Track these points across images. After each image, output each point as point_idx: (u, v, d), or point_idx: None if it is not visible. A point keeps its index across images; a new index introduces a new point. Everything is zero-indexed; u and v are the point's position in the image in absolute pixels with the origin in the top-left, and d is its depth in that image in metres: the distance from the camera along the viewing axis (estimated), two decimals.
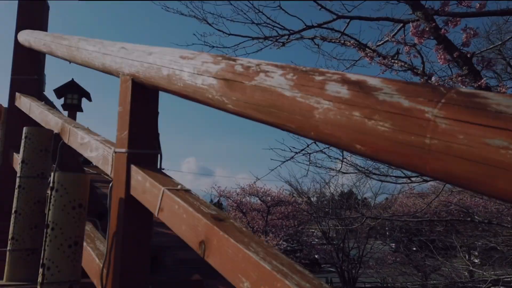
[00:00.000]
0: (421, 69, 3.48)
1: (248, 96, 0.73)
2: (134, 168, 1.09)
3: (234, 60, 0.81)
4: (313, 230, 15.83)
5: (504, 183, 0.41)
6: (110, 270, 1.09)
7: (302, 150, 4.98)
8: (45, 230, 1.05)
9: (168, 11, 5.52)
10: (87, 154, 1.37)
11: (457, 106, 0.45)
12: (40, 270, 1.03)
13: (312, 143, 4.77)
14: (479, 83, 2.78)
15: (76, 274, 1.06)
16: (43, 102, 2.11)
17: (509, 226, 5.61)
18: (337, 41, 4.32)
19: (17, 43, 2.45)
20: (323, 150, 5.08)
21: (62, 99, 6.52)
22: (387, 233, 17.05)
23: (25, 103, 2.18)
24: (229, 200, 14.13)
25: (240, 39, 5.24)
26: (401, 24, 3.82)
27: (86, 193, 1.11)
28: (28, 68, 2.43)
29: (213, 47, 5.45)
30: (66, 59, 1.72)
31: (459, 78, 2.89)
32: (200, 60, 0.88)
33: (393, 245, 15.83)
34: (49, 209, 1.05)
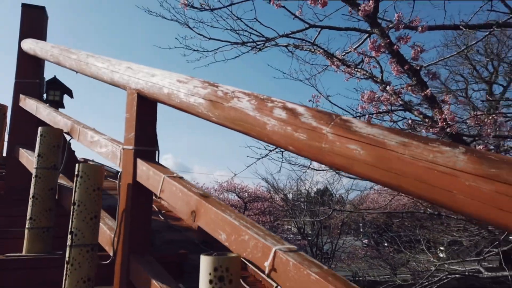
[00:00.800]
0: (380, 77, 3.94)
1: (226, 113, 1.11)
2: (139, 161, 1.45)
3: (217, 86, 1.19)
4: (289, 226, 16.37)
5: (358, 168, 0.80)
6: (120, 238, 1.44)
7: (276, 147, 5.38)
8: (72, 207, 1.40)
9: (151, 14, 5.77)
10: (97, 150, 1.71)
11: (338, 127, 0.85)
12: (69, 236, 1.38)
13: None
14: (425, 93, 3.25)
15: (96, 239, 1.41)
16: (47, 104, 2.42)
17: (455, 217, 6.20)
18: (308, 49, 4.74)
19: (20, 50, 2.74)
20: None
21: (45, 95, 6.69)
22: (361, 229, 17.75)
23: (30, 105, 2.48)
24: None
25: (220, 44, 5.59)
26: (367, 34, 4.27)
27: (102, 180, 1.46)
28: (31, 73, 2.73)
29: (194, 50, 5.78)
30: (73, 70, 2.05)
31: (409, 87, 3.35)
32: (192, 84, 1.25)
33: (365, 241, 16.52)
34: (75, 191, 1.40)
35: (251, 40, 5.31)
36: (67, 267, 1.35)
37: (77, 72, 2.05)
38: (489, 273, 6.94)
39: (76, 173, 1.42)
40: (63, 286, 1.34)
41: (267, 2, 3.71)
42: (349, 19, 4.50)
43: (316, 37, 4.91)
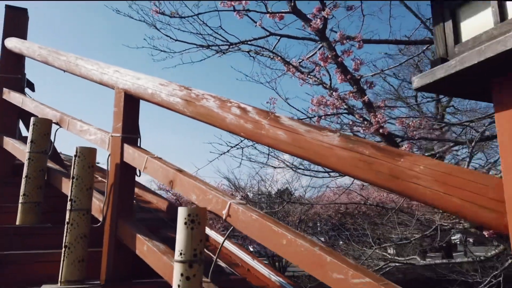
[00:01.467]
0: (329, 84, 4.51)
1: (197, 109, 1.54)
2: (126, 145, 1.84)
3: (190, 89, 1.62)
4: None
5: (283, 146, 1.26)
6: (109, 206, 1.83)
7: (236, 145, 5.84)
8: (71, 180, 1.77)
9: (119, 14, 6.02)
10: (86, 137, 2.08)
11: (272, 120, 1.30)
12: (69, 203, 1.74)
13: (244, 139, 5.63)
14: (363, 99, 3.82)
15: (90, 205, 1.79)
16: (32, 98, 2.72)
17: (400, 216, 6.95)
18: (268, 56, 5.24)
19: (4, 47, 3.00)
20: (254, 145, 5.97)
21: None
22: (319, 228, 18.58)
23: (16, 98, 2.77)
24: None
25: (187, 46, 5.95)
26: (320, 45, 4.81)
27: (94, 159, 1.84)
28: (14, 68, 3.00)
29: (162, 51, 6.10)
30: (62, 70, 2.38)
31: (351, 94, 3.92)
32: (171, 87, 1.67)
33: (322, 238, 17.35)
34: (73, 168, 1.77)
35: (215, 44, 5.72)
36: (67, 227, 1.72)
37: (65, 71, 2.38)
38: (423, 261, 7.79)
39: (74, 154, 1.79)
40: (64, 242, 1.71)
41: (232, 10, 4.14)
42: (305, 29, 5.04)
43: (275, 44, 5.42)
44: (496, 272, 8.30)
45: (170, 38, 6.01)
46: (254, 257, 2.18)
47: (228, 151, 5.91)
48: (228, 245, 2.28)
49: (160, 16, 5.36)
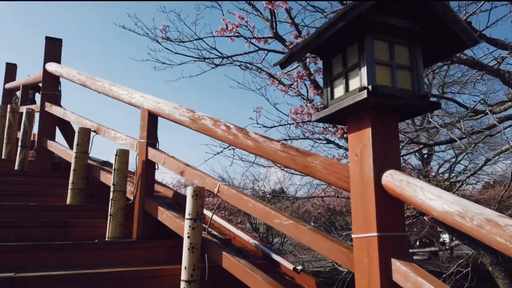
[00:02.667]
0: (306, 96, 5.39)
1: (199, 126, 2.40)
2: (149, 148, 2.70)
3: (194, 112, 2.48)
4: (242, 219, 17.77)
5: (251, 151, 2.13)
6: (137, 190, 2.69)
7: (229, 145, 6.70)
8: (113, 171, 2.62)
9: (124, 29, 6.85)
10: (119, 142, 2.93)
11: (244, 133, 2.17)
12: (112, 187, 2.60)
13: None
14: None
15: (125, 188, 2.65)
16: (70, 110, 3.57)
17: None
18: (256, 69, 6.12)
19: (45, 70, 3.85)
20: None
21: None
22: (312, 223, 19.48)
23: (57, 110, 3.62)
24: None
25: (186, 58, 6.80)
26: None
27: (128, 157, 2.70)
28: (53, 86, 3.85)
29: (163, 63, 6.96)
30: (97, 91, 3.23)
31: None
32: (181, 110, 2.54)
33: None
34: (115, 163, 2.62)
35: (210, 57, 6.59)
36: (111, 202, 2.58)
37: (99, 93, 3.24)
38: None
39: (115, 153, 2.65)
40: (109, 212, 2.57)
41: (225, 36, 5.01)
42: (291, 45, 5.90)
43: (263, 58, 6.31)
44: (461, 261, 9.25)
45: (170, 51, 6.87)
46: (237, 228, 3.04)
47: (221, 151, 6.78)
48: (219, 220, 3.14)
49: (160, 31, 6.22)
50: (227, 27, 4.65)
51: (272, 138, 2.06)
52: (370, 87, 1.48)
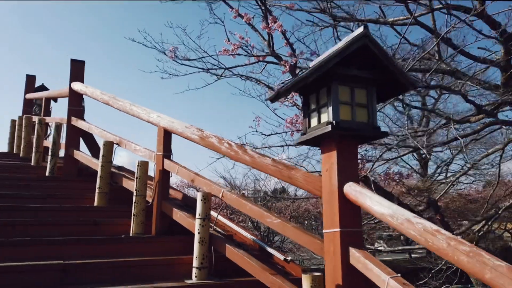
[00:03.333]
0: (301, 106, 5.93)
1: (206, 143, 2.96)
2: (165, 159, 3.26)
3: (203, 131, 3.04)
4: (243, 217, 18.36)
5: (247, 164, 2.68)
6: (156, 194, 3.25)
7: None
8: (135, 179, 3.18)
9: (134, 42, 7.42)
10: (139, 154, 3.49)
11: (242, 150, 2.72)
12: (134, 192, 3.16)
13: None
14: None
15: (145, 193, 3.21)
16: (95, 125, 4.14)
17: None
18: (255, 80, 6.67)
19: (71, 89, 4.41)
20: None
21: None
22: (306, 222, 19.98)
23: (83, 124, 4.19)
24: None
25: (190, 69, 7.35)
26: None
27: (147, 167, 3.26)
28: (78, 102, 4.42)
29: (171, 74, 7.52)
30: (119, 110, 3.79)
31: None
32: (192, 129, 3.10)
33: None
34: (137, 171, 3.18)
35: (213, 68, 7.14)
36: (134, 204, 3.14)
37: (120, 110, 3.80)
38: (388, 248, 9.25)
39: (137, 164, 3.21)
40: (132, 212, 3.13)
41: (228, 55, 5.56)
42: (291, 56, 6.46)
43: (263, 69, 6.85)
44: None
45: (177, 62, 7.43)
46: (238, 225, 3.60)
47: (223, 156, 7.33)
48: (223, 219, 3.70)
49: (167, 45, 6.78)
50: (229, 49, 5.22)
51: (265, 155, 2.62)
52: (334, 122, 2.04)
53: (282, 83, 5.72)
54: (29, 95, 6.64)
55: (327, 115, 2.13)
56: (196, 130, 3.06)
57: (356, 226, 2.08)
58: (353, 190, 2.01)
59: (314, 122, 2.26)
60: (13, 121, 6.71)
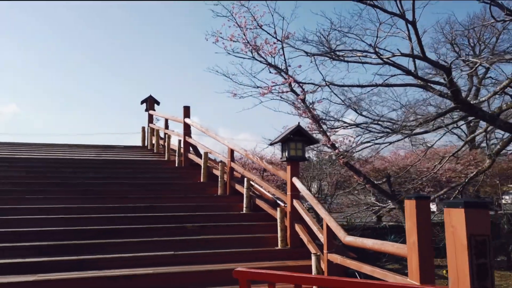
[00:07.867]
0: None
1: (248, 155, 7.00)
2: (231, 162, 7.38)
3: (247, 152, 7.07)
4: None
5: (269, 171, 6.66)
6: (228, 176, 7.42)
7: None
8: (219, 170, 7.34)
9: (210, 72, 11.47)
10: (219, 157, 7.65)
11: (263, 161, 6.69)
12: (219, 175, 7.34)
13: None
14: (320, 129, 8.99)
15: (224, 176, 7.39)
16: (198, 142, 8.39)
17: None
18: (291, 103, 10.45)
19: (185, 122, 8.70)
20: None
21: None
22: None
23: (191, 140, 8.51)
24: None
25: (247, 89, 11.29)
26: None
27: (224, 165, 7.41)
28: (188, 129, 8.70)
29: (235, 94, 11.53)
30: (209, 136, 7.95)
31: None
32: (241, 151, 7.15)
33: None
34: (220, 166, 7.33)
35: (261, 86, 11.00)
36: (219, 181, 7.34)
37: (209, 136, 7.96)
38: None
39: (220, 163, 7.38)
40: (218, 185, 7.33)
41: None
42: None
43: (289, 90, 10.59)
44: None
45: (239, 84, 11.42)
46: (263, 190, 7.64)
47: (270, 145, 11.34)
48: (258, 186, 7.76)
49: (233, 69, 10.79)
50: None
51: (268, 164, 6.60)
52: (287, 156, 5.99)
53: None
54: (152, 112, 11.17)
55: (288, 152, 6.07)
56: (251, 154, 7.08)
57: (297, 191, 6.03)
58: (295, 180, 5.95)
59: (285, 154, 6.22)
60: (143, 128, 11.35)
